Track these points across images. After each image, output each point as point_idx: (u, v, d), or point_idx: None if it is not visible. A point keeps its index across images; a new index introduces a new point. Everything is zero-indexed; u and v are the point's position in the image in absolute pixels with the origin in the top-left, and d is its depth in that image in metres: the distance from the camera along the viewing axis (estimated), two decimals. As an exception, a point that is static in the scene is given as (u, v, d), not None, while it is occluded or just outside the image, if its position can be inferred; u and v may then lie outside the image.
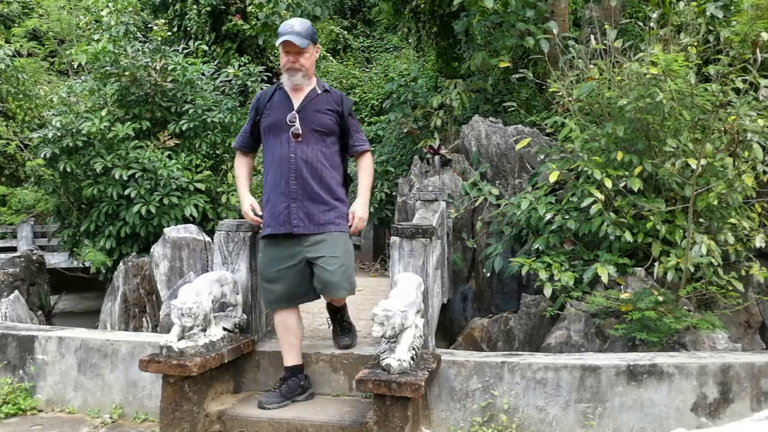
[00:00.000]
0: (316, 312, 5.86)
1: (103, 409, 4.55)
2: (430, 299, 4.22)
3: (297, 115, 3.95)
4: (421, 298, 4.04)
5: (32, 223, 11.70)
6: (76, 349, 4.69)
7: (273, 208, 3.99)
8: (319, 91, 4.07)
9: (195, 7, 12.11)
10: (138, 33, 8.69)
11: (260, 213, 4.13)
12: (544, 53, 7.12)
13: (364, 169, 4.11)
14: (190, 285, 4.07)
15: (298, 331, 4.18)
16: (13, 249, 11.25)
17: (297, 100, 4.02)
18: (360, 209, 4.05)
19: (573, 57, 6.22)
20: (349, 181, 4.24)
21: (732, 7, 7.06)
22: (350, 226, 4.05)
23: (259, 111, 4.14)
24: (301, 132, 3.92)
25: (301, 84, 4.02)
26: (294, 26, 3.92)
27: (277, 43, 3.90)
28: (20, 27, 14.51)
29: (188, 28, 12.27)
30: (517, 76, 7.05)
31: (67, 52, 12.16)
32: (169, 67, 8.39)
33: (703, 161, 5.01)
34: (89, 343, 4.68)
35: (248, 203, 4.15)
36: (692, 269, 5.00)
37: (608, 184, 5.27)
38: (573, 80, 6.09)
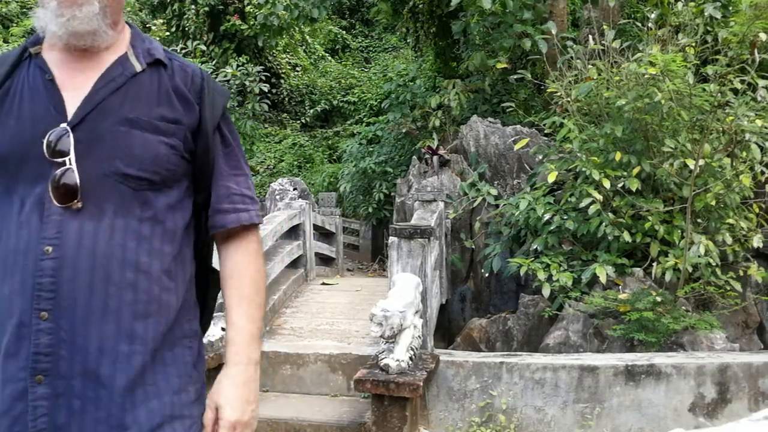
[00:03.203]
0: (314, 312, 5.86)
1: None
2: (428, 299, 4.22)
3: (71, 134, 1.29)
4: (420, 298, 4.04)
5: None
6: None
7: None
8: (138, 65, 1.39)
9: (193, 7, 12.13)
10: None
11: None
12: (542, 54, 7.12)
13: (247, 276, 1.46)
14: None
15: None
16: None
17: (75, 90, 1.34)
18: (236, 401, 1.42)
19: (571, 57, 6.22)
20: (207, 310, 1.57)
21: (730, 8, 7.07)
22: None
23: None
24: (79, 184, 1.27)
25: (94, 40, 1.37)
26: None
27: None
28: (18, 27, 14.51)
29: (186, 28, 12.28)
30: (515, 76, 7.05)
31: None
32: (168, 67, 8.37)
33: (701, 161, 5.02)
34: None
35: None
36: (690, 269, 5.01)
37: (606, 184, 5.27)
38: (571, 81, 6.09)
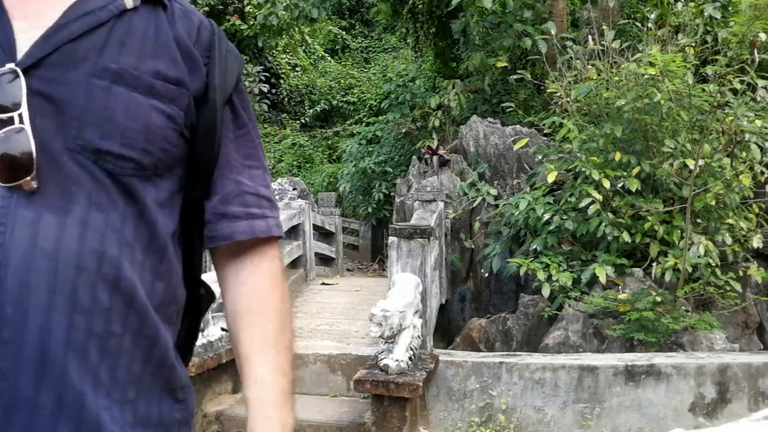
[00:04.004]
0: (314, 312, 5.86)
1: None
2: (428, 299, 4.22)
3: (22, 80, 0.85)
4: (420, 298, 4.04)
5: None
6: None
7: None
8: (130, 0, 0.93)
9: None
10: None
11: None
12: (542, 54, 7.12)
13: (270, 309, 1.02)
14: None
15: None
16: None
17: (32, 19, 0.88)
18: None
19: (571, 57, 6.22)
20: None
21: (730, 8, 7.07)
22: None
23: None
24: (34, 154, 0.83)
25: None
26: None
27: None
28: None
29: (186, 28, 12.29)
30: (515, 76, 7.05)
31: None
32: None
33: (700, 162, 5.02)
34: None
35: None
36: (690, 269, 5.01)
37: (606, 184, 5.27)
38: (571, 81, 6.09)
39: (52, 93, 0.85)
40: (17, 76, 0.83)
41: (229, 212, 1.00)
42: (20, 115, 0.82)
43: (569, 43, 6.39)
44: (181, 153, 0.95)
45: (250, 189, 1.02)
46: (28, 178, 0.82)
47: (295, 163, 15.10)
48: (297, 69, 17.74)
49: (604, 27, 6.10)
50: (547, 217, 5.70)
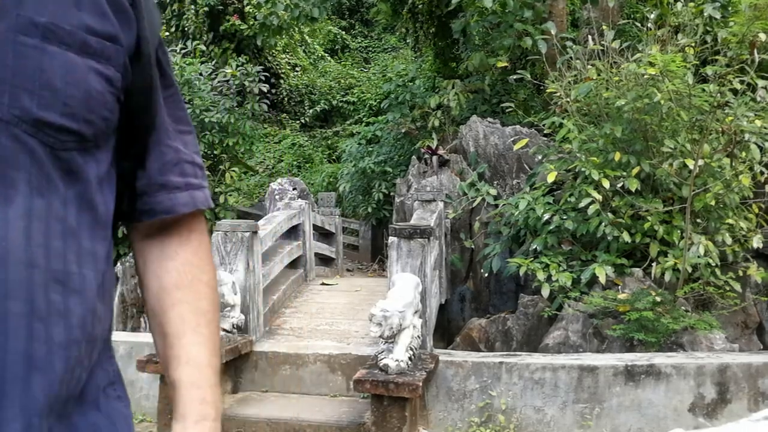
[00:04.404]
0: (314, 312, 5.86)
1: (100, 409, 4.54)
2: (428, 299, 4.22)
3: None
4: (419, 298, 4.04)
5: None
6: (74, 350, 4.68)
7: None
8: None
9: (193, 7, 12.13)
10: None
11: None
12: (541, 54, 7.12)
13: (203, 285, 0.95)
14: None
15: None
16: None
17: None
18: None
19: (571, 57, 6.22)
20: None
21: (730, 8, 7.07)
22: None
23: None
24: None
25: None
26: None
27: None
28: None
29: (186, 28, 12.29)
30: (515, 76, 7.05)
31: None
32: (167, 67, 8.37)
33: (700, 162, 5.02)
34: (86, 344, 4.67)
35: None
36: (690, 270, 5.01)
37: (606, 184, 5.27)
38: (571, 81, 6.09)
39: None
40: None
41: (170, 183, 0.90)
42: None
43: (569, 43, 6.39)
44: (117, 120, 0.82)
45: (187, 157, 0.92)
46: None
47: (295, 163, 15.10)
48: (297, 69, 17.75)
49: (604, 27, 6.10)
50: (546, 217, 5.70)
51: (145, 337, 4.81)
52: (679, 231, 5.17)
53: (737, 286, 5.18)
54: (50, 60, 0.71)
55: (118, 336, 4.89)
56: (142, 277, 0.95)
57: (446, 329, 7.08)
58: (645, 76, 5.31)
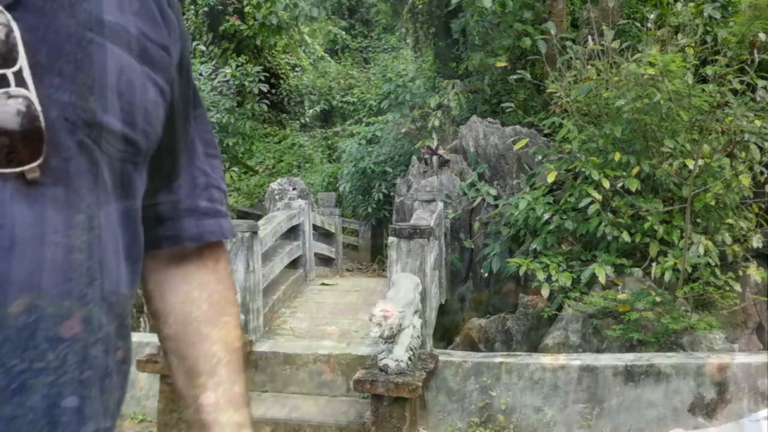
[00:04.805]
0: (313, 312, 5.87)
1: (100, 409, 4.55)
2: (427, 299, 4.22)
3: (11, 21, 0.57)
4: (419, 298, 4.04)
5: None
6: (74, 350, 4.68)
7: None
8: None
9: (192, 7, 12.12)
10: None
11: None
12: (541, 54, 7.12)
13: (232, 317, 0.90)
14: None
15: None
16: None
17: None
18: None
19: (571, 58, 6.22)
20: None
21: (729, 8, 7.07)
22: None
23: None
24: (45, 129, 0.59)
25: None
26: None
27: None
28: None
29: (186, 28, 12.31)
30: (514, 76, 7.05)
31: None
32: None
33: (700, 162, 5.02)
34: (86, 344, 4.67)
35: None
36: (690, 269, 5.01)
37: (606, 184, 5.27)
38: (571, 81, 6.09)
39: (45, 42, 0.60)
40: (3, 16, 0.56)
41: (198, 208, 0.84)
42: (21, 72, 0.57)
43: (569, 43, 6.39)
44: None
45: (215, 182, 0.86)
46: (35, 164, 0.57)
47: (294, 163, 15.10)
48: (297, 69, 17.75)
49: (604, 27, 6.11)
50: (546, 217, 5.70)
51: (145, 337, 4.80)
52: (678, 231, 5.17)
53: (737, 286, 5.18)
54: (113, 61, 0.64)
55: (117, 336, 4.90)
56: (156, 302, 0.87)
57: (446, 329, 7.08)
58: (645, 76, 5.31)
